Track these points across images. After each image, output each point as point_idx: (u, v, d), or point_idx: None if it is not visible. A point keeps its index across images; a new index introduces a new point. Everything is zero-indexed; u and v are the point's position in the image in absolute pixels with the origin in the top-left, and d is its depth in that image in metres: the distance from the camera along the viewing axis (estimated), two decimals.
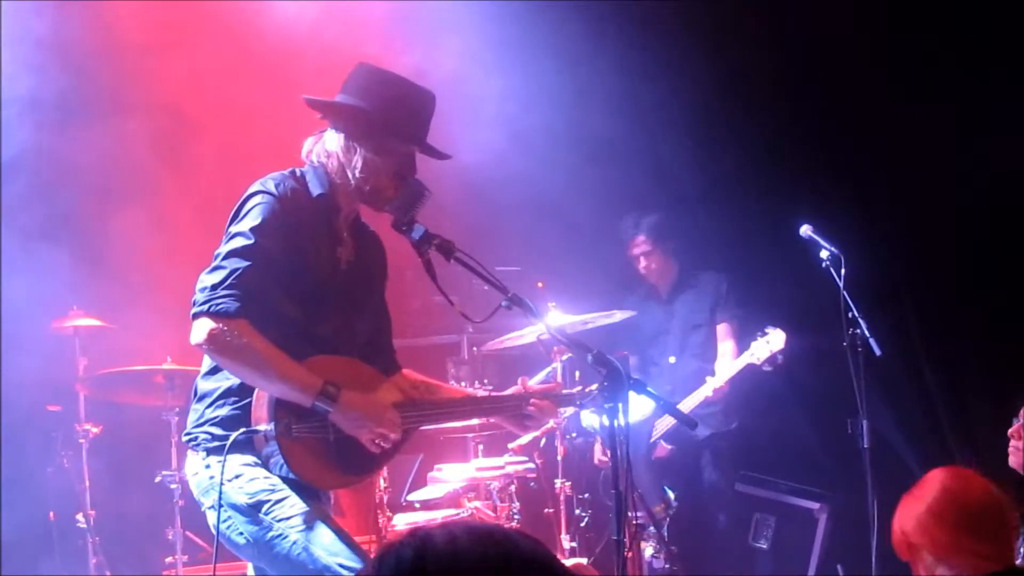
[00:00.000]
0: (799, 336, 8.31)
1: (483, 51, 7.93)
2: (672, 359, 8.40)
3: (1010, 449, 5.09)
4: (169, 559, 7.72)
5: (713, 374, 8.19)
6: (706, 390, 8.02)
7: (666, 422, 8.10)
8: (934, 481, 4.11)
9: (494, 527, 2.00)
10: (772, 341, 7.90)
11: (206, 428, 4.60)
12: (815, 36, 8.58)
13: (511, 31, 8.08)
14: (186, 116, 7.82)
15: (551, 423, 6.21)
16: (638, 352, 8.44)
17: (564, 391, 5.19)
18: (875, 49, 8.60)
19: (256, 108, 7.71)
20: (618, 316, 7.72)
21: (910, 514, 4.12)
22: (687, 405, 7.94)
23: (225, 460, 4.46)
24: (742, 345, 8.24)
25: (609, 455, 7.09)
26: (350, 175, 4.69)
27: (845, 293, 7.23)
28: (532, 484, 7.78)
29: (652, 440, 8.11)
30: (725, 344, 8.46)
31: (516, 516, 7.31)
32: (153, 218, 7.80)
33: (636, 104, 8.60)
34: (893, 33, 8.51)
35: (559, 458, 7.55)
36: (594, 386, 4.65)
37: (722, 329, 8.51)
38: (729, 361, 8.27)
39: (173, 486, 7.62)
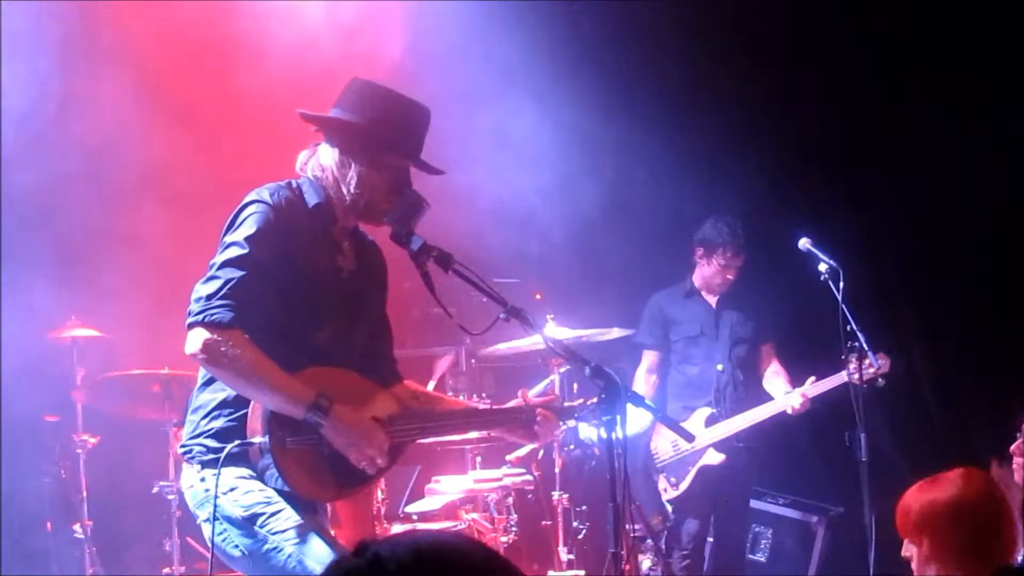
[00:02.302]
0: (796, 349, 8.33)
1: (470, 56, 7.97)
2: (720, 367, 8.26)
3: (1014, 466, 5.01)
4: (166, 570, 7.72)
5: (754, 388, 8.17)
6: (790, 401, 7.86)
7: (718, 431, 8.00)
8: (953, 481, 4.11)
9: (440, 535, 2.01)
10: (881, 365, 7.60)
11: (201, 440, 4.58)
12: (812, 44, 8.61)
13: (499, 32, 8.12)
14: (184, 125, 7.81)
15: None
16: (663, 347, 8.33)
17: (565, 403, 5.18)
18: (872, 56, 8.62)
19: (259, 117, 7.68)
20: (616, 332, 7.72)
21: (925, 499, 4.12)
22: (758, 415, 7.93)
23: (219, 473, 4.45)
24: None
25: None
26: (345, 190, 4.68)
27: (844, 306, 7.22)
28: (530, 496, 7.79)
29: (701, 448, 7.98)
30: (774, 363, 8.38)
31: (513, 528, 7.31)
32: (150, 228, 7.79)
33: (630, 116, 8.62)
34: (889, 37, 8.52)
35: (557, 470, 7.56)
36: (595, 399, 4.63)
37: (769, 348, 8.42)
38: (783, 381, 8.18)
39: (170, 497, 7.63)
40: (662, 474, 8.05)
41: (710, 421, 8.02)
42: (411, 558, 1.92)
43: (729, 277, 8.29)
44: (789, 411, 7.86)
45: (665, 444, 8.05)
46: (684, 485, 8.00)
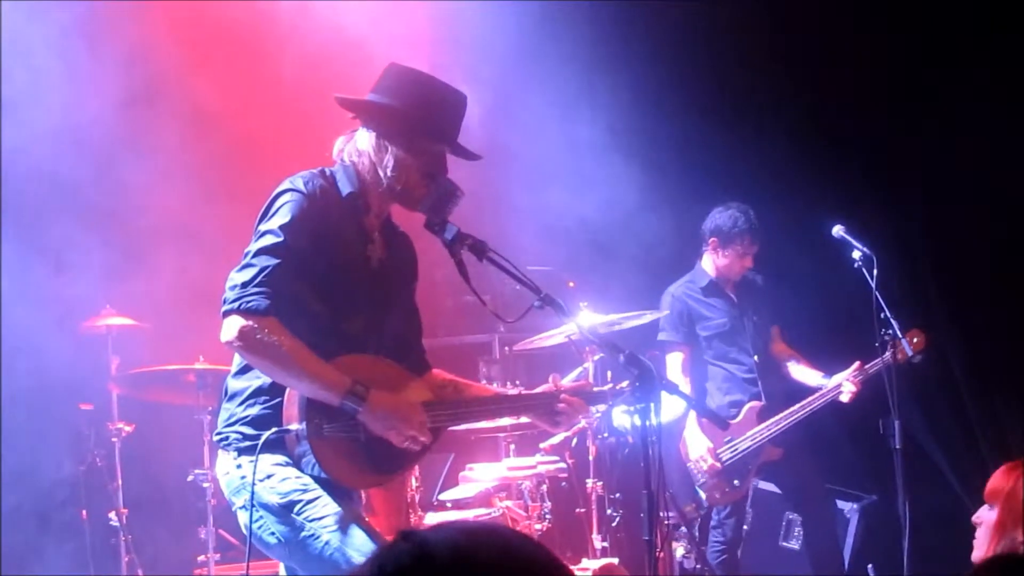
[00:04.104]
0: (830, 336, 8.30)
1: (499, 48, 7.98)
2: (756, 357, 8.09)
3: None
4: (201, 557, 7.75)
5: (784, 372, 8.13)
6: (847, 389, 7.73)
7: (774, 425, 7.81)
8: None
9: (486, 526, 1.98)
10: (916, 341, 7.53)
11: (237, 427, 4.60)
12: (844, 34, 8.58)
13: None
14: (217, 116, 7.82)
15: (583, 422, 6.19)
16: (693, 343, 8.12)
17: (595, 388, 5.17)
18: (905, 47, 8.59)
19: (290, 108, 7.70)
20: (648, 317, 7.65)
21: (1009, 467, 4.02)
22: (811, 404, 7.77)
23: (256, 460, 4.46)
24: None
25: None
26: (382, 174, 4.69)
27: (877, 294, 7.20)
28: (563, 484, 7.77)
29: (758, 444, 7.83)
30: (785, 347, 8.28)
31: (547, 516, 7.30)
32: (184, 216, 7.81)
33: (664, 103, 8.60)
34: (926, 31, 8.49)
35: (590, 458, 7.54)
36: (625, 383, 4.63)
37: (776, 331, 8.32)
38: (808, 366, 8.09)
39: (205, 484, 7.66)
40: (723, 477, 7.79)
41: (763, 415, 7.86)
42: (456, 551, 1.91)
43: (747, 265, 8.17)
44: (846, 399, 7.74)
45: (722, 445, 7.81)
46: (747, 485, 7.91)
